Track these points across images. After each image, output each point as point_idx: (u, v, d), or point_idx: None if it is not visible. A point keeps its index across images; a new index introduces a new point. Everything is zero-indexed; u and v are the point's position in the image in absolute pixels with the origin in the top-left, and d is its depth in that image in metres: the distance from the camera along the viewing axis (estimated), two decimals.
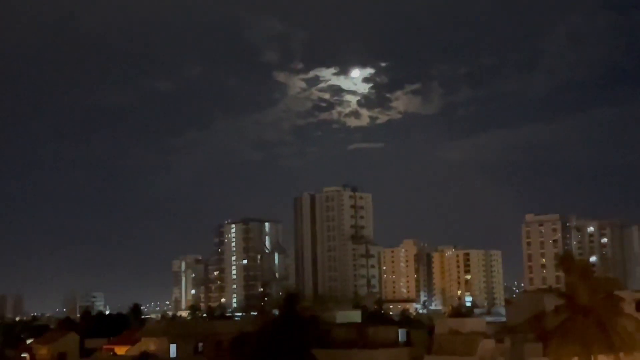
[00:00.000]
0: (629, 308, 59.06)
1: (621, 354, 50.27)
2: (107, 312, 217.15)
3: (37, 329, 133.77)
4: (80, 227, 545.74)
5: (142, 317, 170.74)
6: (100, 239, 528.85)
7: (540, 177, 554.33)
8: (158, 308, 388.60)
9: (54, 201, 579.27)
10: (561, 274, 56.99)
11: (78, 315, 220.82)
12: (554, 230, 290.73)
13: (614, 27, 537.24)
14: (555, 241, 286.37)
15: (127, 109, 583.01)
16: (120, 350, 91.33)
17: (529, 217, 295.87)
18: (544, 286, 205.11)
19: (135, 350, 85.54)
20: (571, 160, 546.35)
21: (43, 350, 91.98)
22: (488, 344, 61.01)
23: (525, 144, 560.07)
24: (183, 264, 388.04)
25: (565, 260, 60.78)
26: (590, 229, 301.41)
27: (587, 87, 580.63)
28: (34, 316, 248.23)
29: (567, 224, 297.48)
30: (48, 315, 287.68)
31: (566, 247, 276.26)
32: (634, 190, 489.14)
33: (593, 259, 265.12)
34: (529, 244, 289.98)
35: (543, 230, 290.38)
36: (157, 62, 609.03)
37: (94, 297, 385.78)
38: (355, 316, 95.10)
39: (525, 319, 58.80)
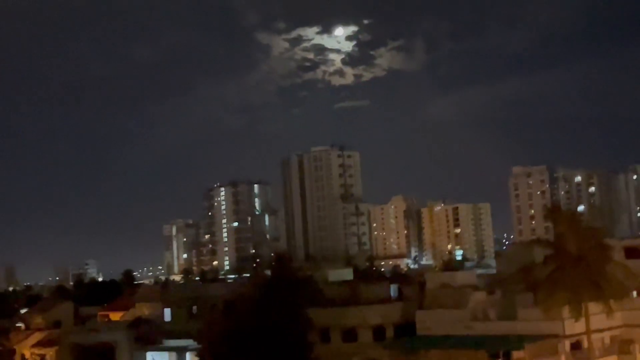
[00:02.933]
0: (617, 255, 59.67)
1: (611, 301, 50.90)
2: (100, 279, 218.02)
3: (31, 298, 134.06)
4: (70, 196, 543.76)
5: (135, 282, 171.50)
6: (89, 207, 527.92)
7: (526, 130, 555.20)
8: (151, 273, 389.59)
9: (41, 170, 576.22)
10: (550, 224, 57.36)
11: (71, 283, 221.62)
12: (542, 181, 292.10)
13: None
14: (543, 192, 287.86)
15: (109, 77, 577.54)
16: (115, 316, 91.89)
17: (516, 169, 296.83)
18: (533, 237, 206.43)
19: (130, 315, 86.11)
20: (556, 113, 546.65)
21: (38, 319, 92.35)
22: (479, 296, 61.69)
23: (510, 98, 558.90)
24: (174, 229, 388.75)
25: (553, 211, 61.23)
26: (578, 178, 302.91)
27: (570, 39, 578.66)
28: (27, 286, 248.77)
29: (555, 175, 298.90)
30: (41, 284, 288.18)
31: (554, 198, 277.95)
32: (619, 139, 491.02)
33: (581, 208, 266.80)
34: (517, 196, 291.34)
35: (531, 182, 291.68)
36: (137, 30, 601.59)
37: (86, 264, 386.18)
38: (347, 274, 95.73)
39: (515, 270, 59.33)
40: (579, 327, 52.00)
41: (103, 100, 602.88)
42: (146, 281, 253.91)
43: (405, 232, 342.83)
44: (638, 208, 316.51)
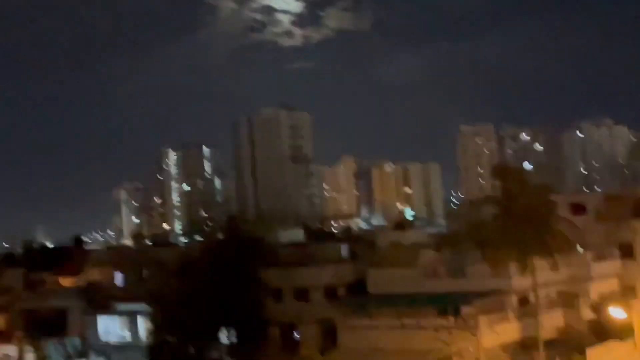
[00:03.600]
0: (563, 211, 61.04)
1: (556, 256, 52.08)
2: (50, 245, 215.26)
3: None
4: (17, 161, 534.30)
5: (86, 247, 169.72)
6: (37, 171, 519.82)
7: (474, 89, 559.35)
8: (101, 238, 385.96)
9: None
10: (497, 182, 58.25)
11: (20, 250, 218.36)
12: (489, 140, 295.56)
13: None
14: (490, 150, 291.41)
15: (58, 37, 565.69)
16: (66, 281, 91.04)
17: (464, 128, 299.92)
18: (482, 195, 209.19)
19: (81, 280, 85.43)
20: (502, 71, 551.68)
21: None
22: (429, 255, 62.58)
23: (459, 57, 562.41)
24: (124, 193, 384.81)
25: (500, 169, 62.15)
26: (524, 137, 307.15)
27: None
28: None
29: (502, 134, 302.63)
30: None
31: (501, 156, 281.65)
32: (564, 96, 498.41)
33: (528, 166, 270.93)
34: (465, 154, 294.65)
35: (478, 141, 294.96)
36: None
37: (35, 231, 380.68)
38: (299, 235, 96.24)
39: (464, 228, 60.26)
40: (526, 282, 53.17)
41: (52, 61, 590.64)
42: (97, 246, 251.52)
43: (356, 192, 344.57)
44: (583, 165, 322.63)
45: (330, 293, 62.68)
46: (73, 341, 74.46)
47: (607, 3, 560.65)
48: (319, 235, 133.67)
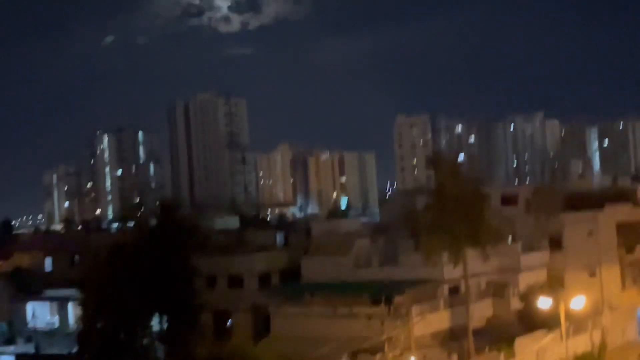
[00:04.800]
0: (494, 203, 62.12)
1: (487, 247, 52.97)
2: None
3: None
4: None
5: (14, 232, 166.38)
6: None
7: (410, 78, 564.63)
8: (30, 223, 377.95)
9: None
10: (431, 173, 58.90)
11: None
12: (424, 131, 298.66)
13: None
14: (425, 142, 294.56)
15: None
16: None
17: (400, 118, 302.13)
18: (416, 186, 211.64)
19: (9, 265, 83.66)
20: (439, 61, 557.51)
21: None
22: (363, 243, 63.07)
23: (396, 45, 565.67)
24: (54, 177, 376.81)
25: (434, 160, 63.10)
26: (459, 129, 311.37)
27: None
28: None
29: (437, 125, 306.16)
30: None
31: (436, 147, 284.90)
32: (498, 88, 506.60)
33: (461, 157, 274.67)
34: (400, 145, 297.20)
35: (414, 132, 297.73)
36: None
37: None
38: (234, 222, 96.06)
39: (398, 218, 60.84)
40: (457, 272, 54.00)
41: None
42: (25, 230, 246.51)
43: (292, 180, 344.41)
44: (515, 157, 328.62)
45: (264, 280, 62.73)
46: (0, 326, 73.01)
47: None
48: (253, 222, 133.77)
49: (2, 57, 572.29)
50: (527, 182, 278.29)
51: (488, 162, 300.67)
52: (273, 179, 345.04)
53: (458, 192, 52.36)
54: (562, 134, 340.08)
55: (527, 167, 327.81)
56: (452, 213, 51.55)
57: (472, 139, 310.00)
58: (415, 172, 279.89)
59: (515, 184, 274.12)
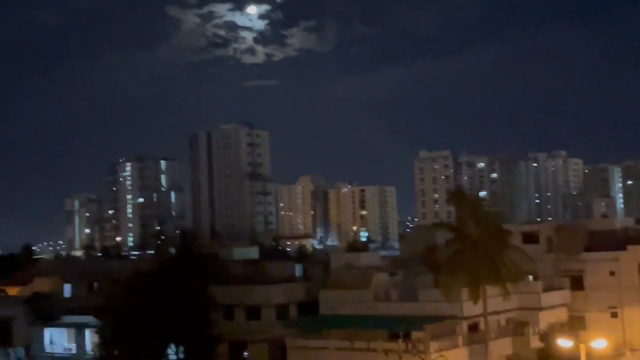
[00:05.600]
0: (515, 240, 61.57)
1: (507, 284, 52.48)
2: None
3: None
4: None
5: (35, 257, 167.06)
6: None
7: (432, 113, 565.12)
8: (51, 248, 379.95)
9: None
10: (452, 208, 58.64)
11: None
12: (446, 166, 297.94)
13: None
14: (447, 177, 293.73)
15: (11, 41, 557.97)
16: (12, 290, 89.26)
17: (422, 153, 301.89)
18: (436, 221, 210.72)
19: (28, 290, 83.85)
20: (461, 97, 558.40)
21: None
22: (382, 277, 62.68)
23: (418, 81, 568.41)
24: (76, 203, 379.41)
25: (455, 195, 62.60)
26: (481, 164, 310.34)
27: (477, 24, 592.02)
28: None
29: (459, 160, 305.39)
30: None
31: (457, 183, 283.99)
32: (522, 125, 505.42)
33: (483, 193, 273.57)
34: (422, 179, 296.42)
35: (435, 166, 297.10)
36: None
37: None
38: (253, 253, 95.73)
39: (417, 252, 60.53)
40: (476, 309, 53.47)
41: (8, 66, 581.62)
42: (46, 256, 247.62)
43: (312, 212, 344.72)
44: (537, 195, 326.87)
45: (282, 312, 62.38)
46: (17, 351, 72.99)
47: (570, 34, 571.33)
48: (273, 253, 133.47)
49: (30, 82, 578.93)
50: (548, 220, 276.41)
51: (510, 198, 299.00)
52: (293, 211, 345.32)
53: (479, 229, 52.07)
54: (585, 172, 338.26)
55: (549, 205, 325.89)
56: (472, 249, 51.21)
57: (494, 175, 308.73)
58: (436, 207, 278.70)
59: (537, 221, 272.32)
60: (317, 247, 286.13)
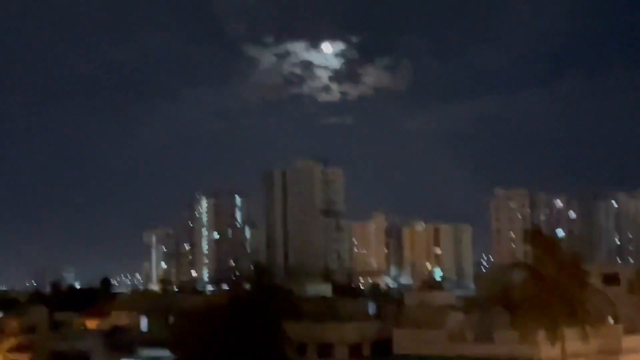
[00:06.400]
0: (595, 281, 60.10)
1: (587, 327, 51.19)
2: (77, 286, 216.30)
3: (7, 303, 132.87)
4: (48, 199, 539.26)
5: (112, 290, 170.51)
6: (69, 211, 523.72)
7: (507, 150, 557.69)
8: (128, 282, 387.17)
9: (18, 173, 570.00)
10: (529, 247, 57.74)
11: (48, 289, 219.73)
12: (522, 204, 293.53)
13: None
14: (523, 215, 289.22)
15: (90, 79, 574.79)
16: (91, 323, 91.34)
17: (498, 191, 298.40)
18: (513, 260, 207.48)
19: (106, 323, 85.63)
20: (538, 134, 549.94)
21: (13, 324, 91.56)
22: (457, 317, 61.84)
23: (493, 117, 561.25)
24: (154, 238, 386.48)
25: (532, 235, 61.55)
26: (558, 203, 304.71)
27: (552, 59, 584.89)
28: (3, 290, 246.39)
29: (535, 199, 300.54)
30: (18, 289, 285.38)
31: (534, 221, 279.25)
32: (600, 163, 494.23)
33: (560, 233, 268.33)
34: (497, 218, 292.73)
35: (512, 205, 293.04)
36: (123, 31, 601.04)
37: (64, 270, 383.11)
38: (326, 289, 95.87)
39: (493, 292, 59.55)
40: (554, 351, 52.21)
41: (84, 103, 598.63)
42: (124, 289, 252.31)
43: (386, 250, 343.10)
44: (617, 235, 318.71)
45: (355, 351, 62.01)
46: None
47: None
48: (346, 290, 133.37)
49: (108, 119, 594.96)
50: (629, 262, 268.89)
51: (589, 238, 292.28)
52: (367, 248, 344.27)
53: (557, 269, 51.05)
54: None
55: (629, 245, 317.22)
56: (550, 290, 50.19)
57: (572, 214, 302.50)
58: (512, 246, 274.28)
59: (617, 262, 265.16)
60: (391, 285, 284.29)
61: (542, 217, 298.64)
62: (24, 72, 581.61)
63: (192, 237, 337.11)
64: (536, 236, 59.65)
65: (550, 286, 50.56)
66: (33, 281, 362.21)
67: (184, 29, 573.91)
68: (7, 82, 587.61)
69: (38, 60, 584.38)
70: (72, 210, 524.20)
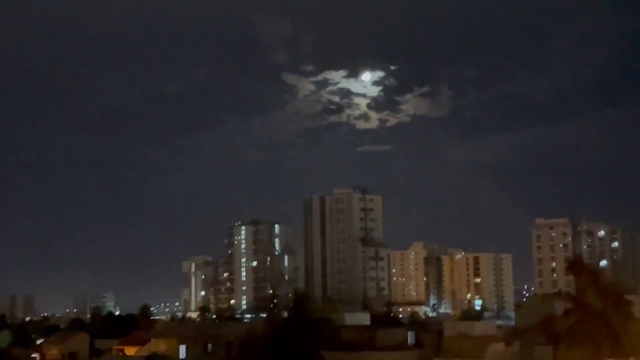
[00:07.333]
0: (639, 312, 58.98)
1: (631, 358, 50.19)
2: (117, 313, 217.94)
3: (48, 328, 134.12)
4: (91, 227, 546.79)
5: (152, 317, 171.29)
6: (110, 239, 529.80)
7: (549, 180, 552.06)
8: (167, 309, 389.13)
9: (64, 201, 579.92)
10: (571, 278, 56.89)
11: (88, 315, 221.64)
12: (564, 234, 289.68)
13: (623, 28, 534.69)
14: (565, 245, 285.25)
15: (136, 110, 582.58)
16: (130, 350, 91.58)
17: (539, 220, 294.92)
18: (554, 290, 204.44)
19: (145, 350, 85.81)
20: (581, 163, 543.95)
21: (53, 350, 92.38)
22: (497, 347, 61.00)
23: (534, 146, 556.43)
24: (193, 265, 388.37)
25: (575, 265, 60.78)
26: (601, 233, 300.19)
27: (596, 88, 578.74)
28: (44, 316, 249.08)
29: (577, 228, 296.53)
30: (58, 315, 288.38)
31: (576, 251, 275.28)
32: None
33: (603, 263, 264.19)
34: (539, 247, 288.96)
35: (553, 234, 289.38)
36: (166, 63, 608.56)
37: (104, 297, 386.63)
38: (364, 318, 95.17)
39: (534, 322, 58.71)
40: None
41: (130, 132, 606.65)
42: (163, 317, 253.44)
43: (425, 279, 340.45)
44: None
45: None
46: None
47: None
48: (384, 319, 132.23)
49: (150, 148, 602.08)
50: None
51: (632, 268, 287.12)
52: (406, 277, 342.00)
53: (600, 299, 50.22)
54: None
55: None
56: (593, 320, 49.37)
57: (615, 244, 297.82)
58: (554, 276, 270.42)
59: None
60: (430, 314, 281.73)
61: (585, 247, 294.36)
62: (74, 103, 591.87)
63: (231, 265, 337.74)
64: (578, 266, 58.85)
65: (594, 317, 49.74)
66: (74, 307, 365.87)
67: (226, 60, 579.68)
68: (57, 113, 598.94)
69: (87, 92, 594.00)
70: (114, 237, 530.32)
